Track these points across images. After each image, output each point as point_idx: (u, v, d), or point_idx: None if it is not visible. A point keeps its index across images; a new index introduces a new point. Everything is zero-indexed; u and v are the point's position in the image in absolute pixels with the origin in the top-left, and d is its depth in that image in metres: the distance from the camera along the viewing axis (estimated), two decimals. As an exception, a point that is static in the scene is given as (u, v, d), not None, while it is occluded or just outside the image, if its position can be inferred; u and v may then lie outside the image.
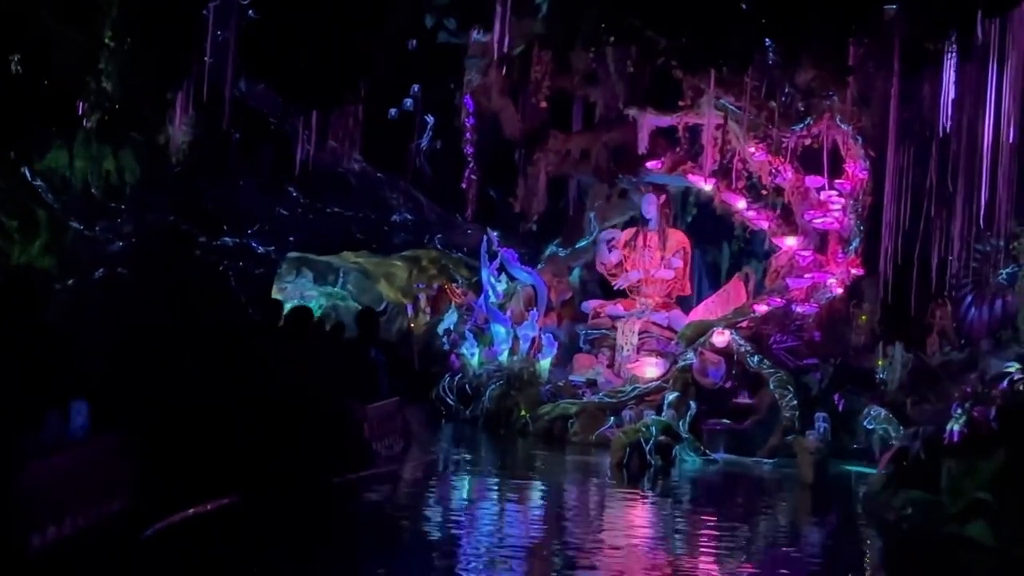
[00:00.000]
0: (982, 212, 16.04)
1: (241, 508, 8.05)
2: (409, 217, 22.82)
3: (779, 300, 16.76)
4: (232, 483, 8.20)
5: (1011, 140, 15.60)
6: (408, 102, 18.51)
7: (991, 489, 8.22)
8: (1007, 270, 17.44)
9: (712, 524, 9.96)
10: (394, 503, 10.18)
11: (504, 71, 18.94)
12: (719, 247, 21.54)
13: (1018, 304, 16.66)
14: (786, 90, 16.22)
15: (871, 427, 15.40)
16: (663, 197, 19.37)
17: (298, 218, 22.84)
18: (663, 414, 14.40)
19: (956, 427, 8.85)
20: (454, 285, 23.46)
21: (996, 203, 16.00)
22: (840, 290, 17.10)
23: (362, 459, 11.08)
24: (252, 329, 10.41)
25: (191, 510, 7.50)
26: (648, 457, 12.99)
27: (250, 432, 8.53)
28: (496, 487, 11.65)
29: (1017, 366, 8.57)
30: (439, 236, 22.68)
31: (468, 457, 14.28)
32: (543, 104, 19.55)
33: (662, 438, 13.28)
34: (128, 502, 6.74)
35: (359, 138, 19.93)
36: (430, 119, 21.98)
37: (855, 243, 17.20)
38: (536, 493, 11.41)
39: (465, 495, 11.17)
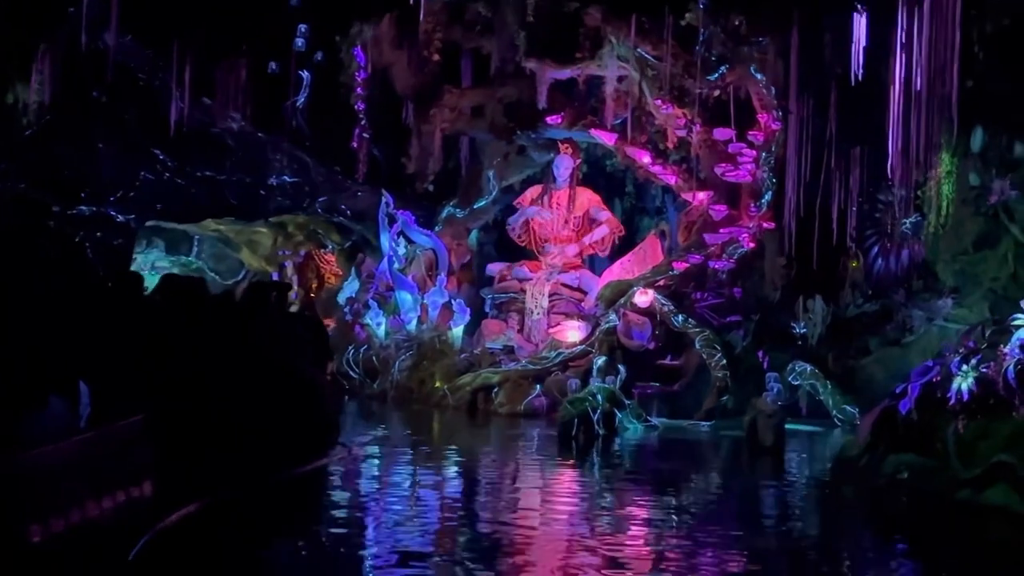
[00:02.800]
0: (890, 163, 15.90)
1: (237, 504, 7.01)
2: (288, 180, 21.34)
3: (698, 256, 16.35)
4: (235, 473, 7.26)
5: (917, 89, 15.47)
6: (299, 42, 17.03)
7: (1015, 452, 7.84)
8: (911, 219, 17.47)
9: (706, 502, 9.32)
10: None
11: (395, 21, 17.89)
12: (611, 205, 21.03)
13: (926, 253, 16.63)
14: (703, 36, 15.69)
15: (797, 383, 15.21)
16: (578, 159, 18.67)
17: (165, 184, 21.12)
18: (593, 380, 13.74)
19: (965, 386, 8.45)
20: (323, 251, 22.31)
21: (900, 153, 15.87)
22: (752, 245, 16.83)
23: (334, 431, 10.37)
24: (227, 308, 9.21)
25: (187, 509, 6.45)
26: (596, 427, 12.32)
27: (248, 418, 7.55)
28: (454, 469, 10.66)
29: (1025, 320, 8.20)
30: (322, 200, 21.31)
31: (400, 435, 13.24)
32: (435, 57, 18.56)
33: (606, 406, 12.62)
34: (142, 491, 5.76)
35: (240, 96, 18.49)
36: (306, 75, 20.56)
37: (767, 196, 16.93)
38: (493, 473, 10.49)
39: (416, 479, 10.14)
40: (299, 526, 7.18)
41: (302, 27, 16.87)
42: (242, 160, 20.59)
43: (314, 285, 22.41)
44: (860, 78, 15.89)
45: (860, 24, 15.85)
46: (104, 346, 6.42)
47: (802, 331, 16.15)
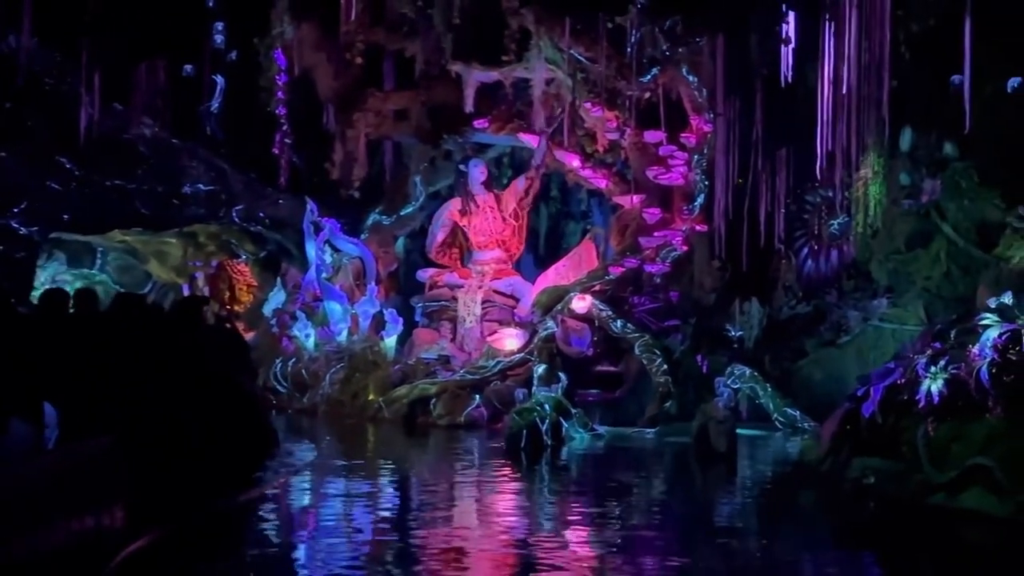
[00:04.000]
0: (820, 164, 15.93)
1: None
2: (203, 188, 20.62)
3: (634, 260, 16.16)
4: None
5: (845, 91, 15.51)
6: (218, 39, 16.32)
7: (991, 455, 7.75)
8: (838, 220, 17.57)
9: (671, 514, 9.05)
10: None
11: (318, 23, 17.34)
12: (536, 209, 20.77)
13: (856, 253, 16.72)
14: (635, 38, 15.51)
15: (736, 386, 15.07)
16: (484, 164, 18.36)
17: (72, 193, 20.25)
18: (538, 389, 13.41)
19: (935, 388, 8.35)
20: (236, 262, 21.60)
21: (828, 154, 15.91)
22: (686, 247, 16.72)
23: (272, 440, 10.20)
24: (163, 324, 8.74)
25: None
26: (544, 438, 12.00)
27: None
28: (398, 488, 10.18)
29: (994, 319, 8.13)
30: (239, 208, 20.64)
31: (333, 451, 12.69)
32: (358, 60, 18.06)
33: (554, 416, 12.31)
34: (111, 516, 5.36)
35: (154, 101, 17.76)
36: (220, 80, 19.88)
37: (700, 199, 16.85)
38: (443, 492, 10.04)
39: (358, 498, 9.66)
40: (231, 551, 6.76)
41: (219, 25, 16.18)
42: (155, 168, 19.84)
43: (226, 296, 21.70)
44: (789, 79, 15.95)
45: (789, 26, 15.90)
46: (67, 367, 5.98)
47: (738, 334, 16.07)
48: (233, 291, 21.59)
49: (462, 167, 17.99)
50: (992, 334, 8.06)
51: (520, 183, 17.65)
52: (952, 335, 8.73)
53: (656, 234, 16.38)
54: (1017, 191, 14.65)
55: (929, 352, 8.67)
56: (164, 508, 6.27)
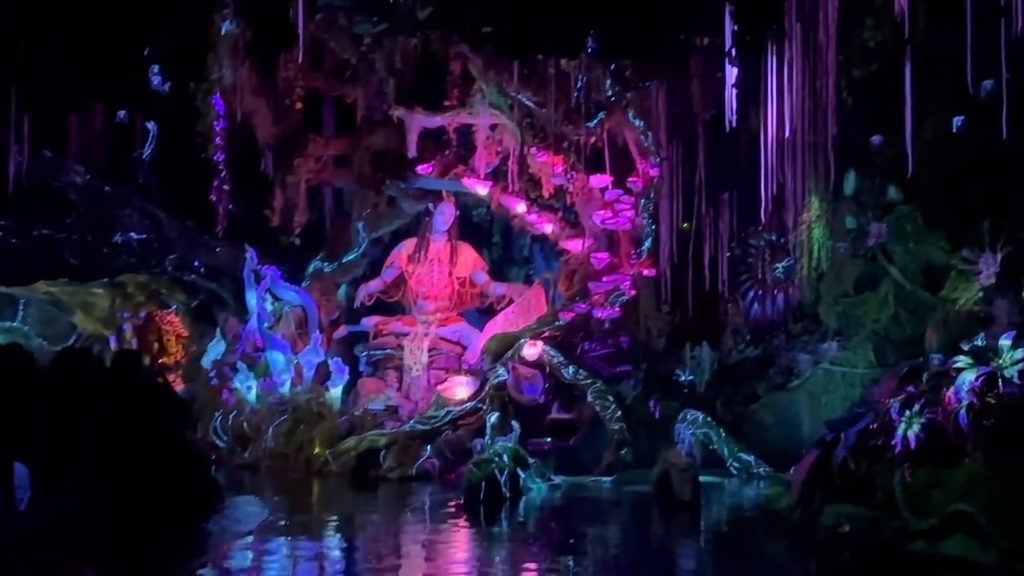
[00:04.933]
0: (765, 208, 15.95)
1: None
2: (135, 237, 19.99)
3: (583, 306, 15.99)
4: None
5: (789, 135, 15.59)
6: (155, 80, 15.81)
7: (973, 501, 7.63)
8: (782, 263, 17.62)
9: (640, 564, 8.79)
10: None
11: (257, 68, 16.99)
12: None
13: (802, 296, 16.75)
14: (580, 82, 15.44)
15: (690, 432, 14.94)
16: (456, 211, 18.11)
17: (-4, 243, 19.49)
18: (497, 440, 13.08)
19: (911, 433, 8.23)
20: (165, 312, 20.99)
21: (771, 198, 15.95)
22: (634, 292, 16.61)
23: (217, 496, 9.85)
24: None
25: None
26: (503, 490, 11.66)
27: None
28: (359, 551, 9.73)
29: (968, 361, 8.06)
30: (173, 257, 20.03)
31: (281, 508, 12.15)
32: (298, 106, 17.75)
33: (512, 467, 11.99)
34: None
35: (86, 148, 17.18)
36: (152, 126, 19.35)
37: (647, 243, 16.77)
38: (406, 552, 9.63)
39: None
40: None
41: (154, 68, 15.75)
42: (86, 217, 19.19)
43: (155, 348, 21.06)
44: (733, 123, 16.00)
45: (731, 70, 15.96)
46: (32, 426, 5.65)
47: (688, 379, 15.95)
48: (162, 342, 20.96)
49: (430, 206, 17.79)
50: (968, 377, 7.97)
51: (479, 276, 17.47)
52: (924, 378, 8.63)
53: (605, 279, 16.24)
54: (961, 234, 14.81)
55: (902, 396, 8.56)
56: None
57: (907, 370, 9.35)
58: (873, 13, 15.42)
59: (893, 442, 8.41)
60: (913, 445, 8.24)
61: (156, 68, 15.80)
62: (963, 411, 7.85)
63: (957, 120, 14.08)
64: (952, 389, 8.15)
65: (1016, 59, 13.30)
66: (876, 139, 15.80)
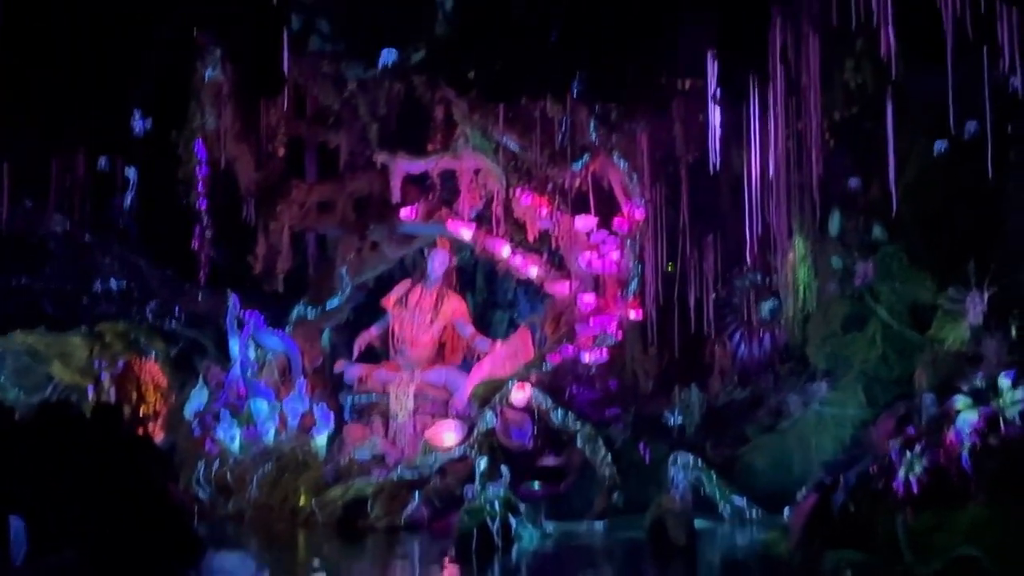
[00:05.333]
0: (750, 249, 15.98)
1: None
2: (115, 285, 19.80)
3: (571, 349, 15.88)
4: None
5: (772, 176, 15.64)
6: (137, 125, 15.68)
7: (978, 544, 7.54)
8: (768, 304, 17.61)
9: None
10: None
11: (241, 114, 16.91)
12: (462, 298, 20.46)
13: (788, 337, 16.73)
14: (565, 125, 15.47)
15: (680, 476, 14.80)
16: (455, 258, 17.99)
17: (-27, 294, 19.27)
18: (490, 487, 12.89)
19: (913, 475, 8.15)
20: (144, 361, 20.70)
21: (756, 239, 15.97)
22: (620, 335, 16.52)
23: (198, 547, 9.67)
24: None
25: None
26: (495, 538, 11.48)
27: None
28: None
29: (968, 402, 8.01)
30: (152, 305, 19.82)
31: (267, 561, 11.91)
32: (281, 152, 17.67)
33: (504, 514, 11.82)
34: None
35: (66, 196, 17.00)
36: (132, 173, 19.22)
37: (633, 285, 16.71)
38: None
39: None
40: None
41: (136, 114, 15.65)
42: (65, 266, 19.02)
43: (134, 397, 20.76)
44: (717, 165, 16.03)
45: (715, 112, 16.03)
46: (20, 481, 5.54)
47: (677, 421, 15.83)
48: (141, 392, 20.67)
49: (425, 251, 17.71)
50: (970, 417, 7.91)
51: (464, 328, 17.34)
52: (924, 420, 8.57)
53: (592, 321, 16.16)
54: (946, 273, 14.84)
55: (902, 438, 8.49)
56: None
57: (904, 411, 9.27)
58: (853, 55, 15.57)
59: (895, 485, 8.33)
60: (915, 488, 8.16)
61: (138, 114, 15.69)
62: (966, 453, 7.79)
63: (939, 145, 14.11)
64: (953, 430, 8.10)
65: (999, 98, 13.45)
66: (853, 182, 15.89)
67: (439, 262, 17.41)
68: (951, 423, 8.14)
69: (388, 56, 11.11)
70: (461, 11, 10.57)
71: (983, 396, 8.09)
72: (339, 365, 17.50)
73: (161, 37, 12.95)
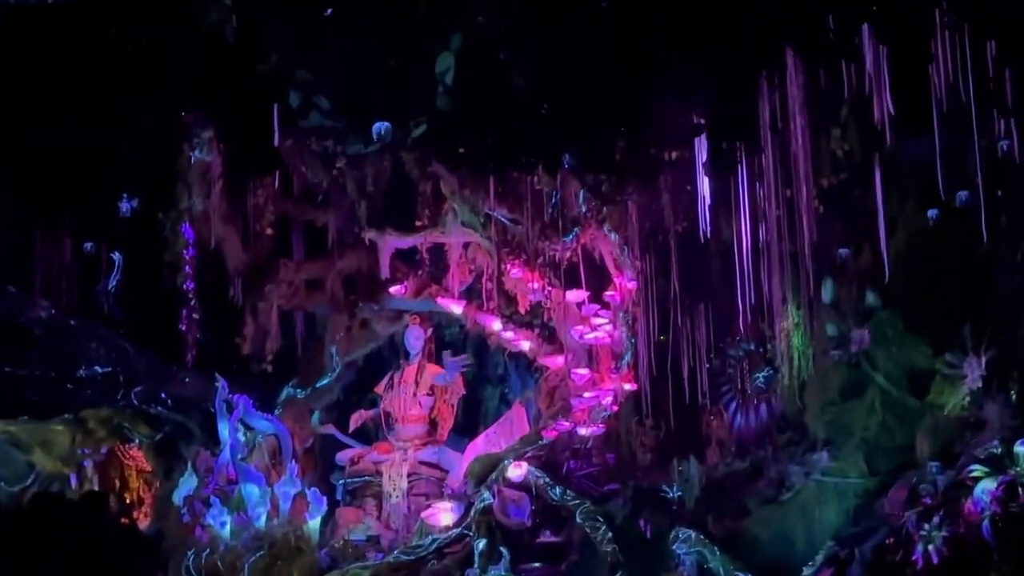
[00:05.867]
0: (743, 318, 15.89)
1: None
2: (99, 370, 19.49)
3: (567, 424, 15.69)
4: None
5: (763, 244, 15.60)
6: (124, 207, 15.48)
7: (1004, 616, 7.35)
8: (762, 373, 17.50)
9: None
10: None
11: (228, 195, 16.83)
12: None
13: (784, 406, 16.59)
14: (555, 198, 15.45)
15: (682, 551, 14.54)
16: (430, 329, 17.84)
17: (-46, 385, 18.90)
18: (476, 568, 12.59)
19: (932, 547, 7.95)
20: (128, 447, 20.33)
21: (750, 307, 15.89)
22: (615, 408, 16.36)
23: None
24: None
25: None
26: (498, 626, 11.18)
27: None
28: None
29: (984, 470, 7.86)
30: (138, 390, 19.49)
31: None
32: (268, 231, 17.57)
33: (505, 598, 11.53)
34: None
35: (52, 281, 16.79)
36: (117, 257, 19.04)
37: (627, 357, 16.58)
38: None
39: None
40: None
41: (124, 197, 15.53)
42: (49, 351, 18.70)
43: (117, 485, 20.33)
44: (707, 235, 16.00)
45: (704, 182, 16.04)
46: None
47: (677, 494, 15.59)
48: (124, 478, 20.27)
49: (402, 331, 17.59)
50: (988, 486, 7.76)
51: (439, 379, 17.15)
52: (940, 489, 8.40)
53: (587, 395, 15.98)
54: (942, 337, 14.82)
55: (919, 508, 8.31)
56: None
57: (915, 480, 9.11)
58: (839, 123, 15.69)
59: (914, 557, 8.14)
60: (936, 560, 7.96)
61: (124, 198, 15.58)
62: (986, 522, 7.61)
63: (932, 213, 14.13)
64: (971, 500, 7.94)
65: (989, 161, 13.49)
66: (843, 251, 15.92)
67: (414, 338, 17.33)
68: (968, 492, 7.98)
69: (381, 129, 11.08)
70: (461, 84, 10.55)
71: (1000, 464, 7.94)
72: (340, 457, 17.27)
73: (149, 118, 12.82)
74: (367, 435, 17.83)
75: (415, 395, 17.41)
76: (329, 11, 10.52)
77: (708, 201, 15.81)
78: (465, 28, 10.66)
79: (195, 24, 10.96)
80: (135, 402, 20.34)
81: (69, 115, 13.24)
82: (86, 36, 11.63)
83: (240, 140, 12.50)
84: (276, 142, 11.56)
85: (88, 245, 17.26)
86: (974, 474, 8.17)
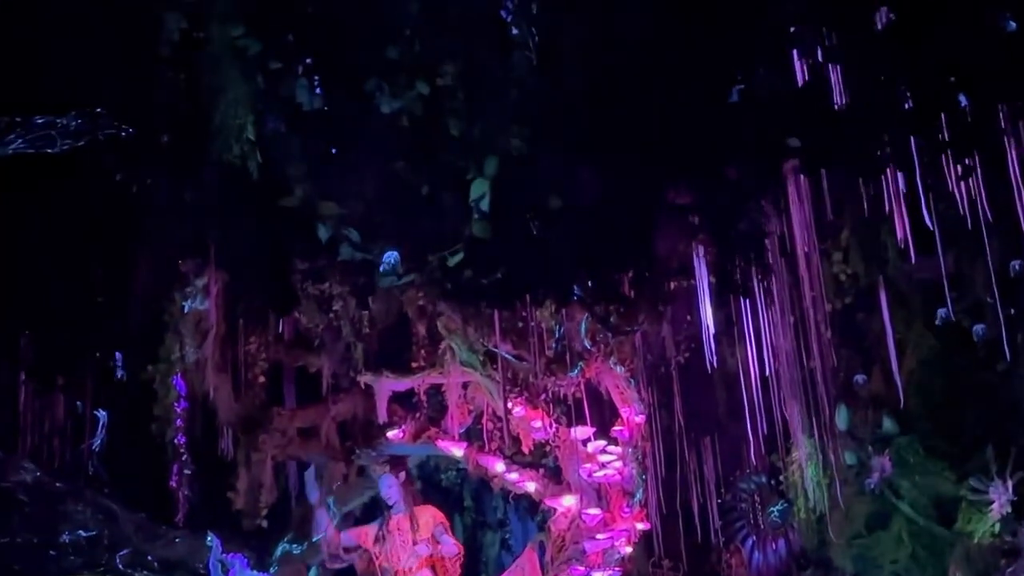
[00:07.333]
0: (756, 450, 15.51)
1: None
2: (83, 534, 18.61)
3: (581, 569, 14.98)
4: None
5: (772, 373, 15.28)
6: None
7: None
8: (776, 507, 17.04)
9: None
10: None
11: (221, 344, 16.36)
12: (450, 521, 19.53)
13: (802, 540, 16.06)
14: (559, 333, 15.11)
15: None
16: (402, 475, 17.12)
17: (-64, 552, 17.98)
18: None
19: None
20: (106, 611, 19.31)
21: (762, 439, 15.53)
22: (629, 549, 15.69)
23: None
24: None
25: None
26: None
27: None
28: None
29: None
30: (124, 553, 18.57)
31: None
32: (261, 380, 17.05)
33: None
34: None
35: (39, 444, 16.13)
36: (102, 415, 18.42)
37: (639, 494, 15.99)
38: None
39: None
40: None
41: (118, 354, 15.10)
42: (33, 516, 17.86)
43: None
44: (713, 364, 15.68)
45: (707, 311, 15.79)
46: None
47: (693, 639, 14.88)
48: (104, 647, 19.23)
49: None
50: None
51: (444, 538, 16.39)
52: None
53: (599, 537, 15.33)
54: (963, 462, 14.49)
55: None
56: None
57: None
58: (840, 248, 15.62)
59: None
60: None
61: (115, 356, 15.13)
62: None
63: (942, 311, 13.87)
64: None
65: (1000, 280, 13.37)
66: (860, 378, 15.68)
67: (387, 485, 16.38)
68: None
69: (391, 259, 10.71)
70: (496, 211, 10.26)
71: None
72: None
73: (146, 270, 12.45)
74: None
75: (415, 543, 16.59)
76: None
77: (712, 331, 15.63)
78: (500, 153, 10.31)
79: (214, 163, 10.58)
80: (119, 566, 19.44)
81: (60, 268, 12.92)
82: (85, 187, 11.29)
83: (253, 284, 12.07)
84: (294, 282, 11.16)
85: (77, 404, 16.74)
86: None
